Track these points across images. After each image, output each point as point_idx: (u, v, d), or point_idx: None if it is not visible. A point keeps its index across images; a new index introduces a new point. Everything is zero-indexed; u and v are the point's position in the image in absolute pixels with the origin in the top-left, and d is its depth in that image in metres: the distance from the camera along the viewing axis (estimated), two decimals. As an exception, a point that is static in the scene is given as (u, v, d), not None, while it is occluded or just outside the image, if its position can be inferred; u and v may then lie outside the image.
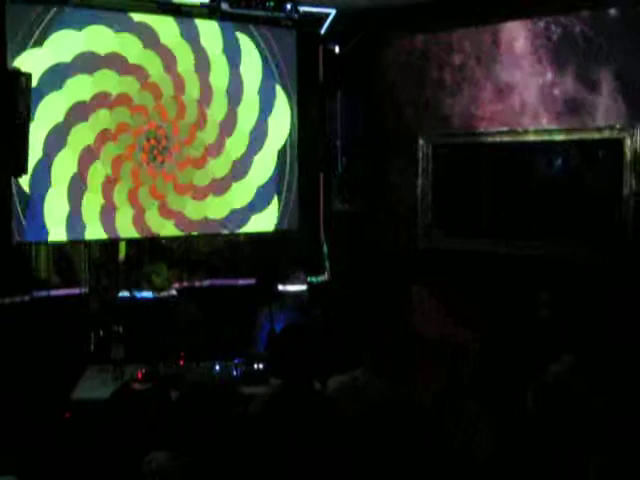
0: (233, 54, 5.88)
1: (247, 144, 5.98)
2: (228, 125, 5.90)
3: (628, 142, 4.98)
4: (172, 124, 5.66)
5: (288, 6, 5.63)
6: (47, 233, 5.24)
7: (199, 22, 5.71)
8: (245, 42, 5.91)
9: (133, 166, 5.55)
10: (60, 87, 5.23)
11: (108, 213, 5.47)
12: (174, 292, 5.36)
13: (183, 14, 5.64)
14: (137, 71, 5.52)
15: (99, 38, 5.35)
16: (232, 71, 5.89)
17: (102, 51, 5.37)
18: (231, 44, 5.86)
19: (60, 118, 5.25)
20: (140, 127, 5.55)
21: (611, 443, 2.73)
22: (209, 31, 5.77)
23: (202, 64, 5.77)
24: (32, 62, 5.01)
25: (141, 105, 5.55)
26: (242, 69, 5.92)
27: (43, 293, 5.22)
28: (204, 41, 5.76)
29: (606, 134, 5.11)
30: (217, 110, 5.85)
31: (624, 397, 3.03)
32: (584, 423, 2.79)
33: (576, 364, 3.13)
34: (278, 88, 6.05)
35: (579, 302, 4.83)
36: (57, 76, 5.21)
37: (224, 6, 5.54)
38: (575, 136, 5.26)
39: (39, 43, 5.11)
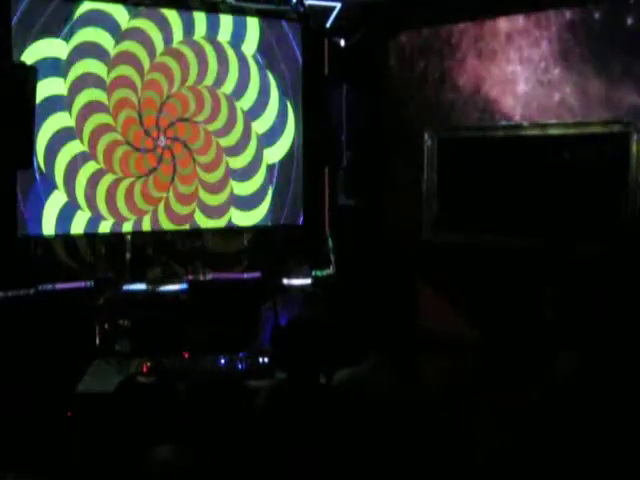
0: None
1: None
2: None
3: (635, 136, 4.96)
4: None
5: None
6: (53, 226, 5.25)
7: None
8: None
9: (139, 158, 5.57)
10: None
11: (114, 207, 5.49)
12: (181, 286, 5.35)
13: (188, 7, 5.63)
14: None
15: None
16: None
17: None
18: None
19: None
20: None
21: (617, 437, 2.73)
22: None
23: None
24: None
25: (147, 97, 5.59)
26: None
27: (48, 286, 5.22)
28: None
29: (613, 128, 5.09)
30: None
31: (628, 391, 3.03)
32: (589, 418, 2.78)
33: (580, 359, 3.12)
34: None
35: (585, 297, 4.82)
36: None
37: (230, -1, 5.55)
38: (581, 130, 5.24)
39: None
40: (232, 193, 5.99)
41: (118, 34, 5.42)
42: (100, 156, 5.43)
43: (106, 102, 5.42)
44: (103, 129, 5.43)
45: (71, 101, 5.29)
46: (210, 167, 5.90)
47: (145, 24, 5.53)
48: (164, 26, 5.60)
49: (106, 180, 5.47)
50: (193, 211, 5.84)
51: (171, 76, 5.67)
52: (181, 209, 5.79)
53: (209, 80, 5.81)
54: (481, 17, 5.67)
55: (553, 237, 5.33)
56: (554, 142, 5.40)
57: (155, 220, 5.68)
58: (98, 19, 5.34)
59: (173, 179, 5.73)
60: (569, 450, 2.73)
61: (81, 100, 5.32)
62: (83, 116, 5.34)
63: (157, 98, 5.63)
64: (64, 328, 5.02)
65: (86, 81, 5.33)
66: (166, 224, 5.73)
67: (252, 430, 2.82)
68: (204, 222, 5.88)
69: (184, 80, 5.71)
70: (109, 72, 5.41)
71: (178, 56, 5.67)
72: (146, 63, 5.56)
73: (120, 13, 5.42)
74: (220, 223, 5.95)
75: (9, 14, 4.96)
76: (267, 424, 3.04)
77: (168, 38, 5.63)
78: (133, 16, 5.48)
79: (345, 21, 6.11)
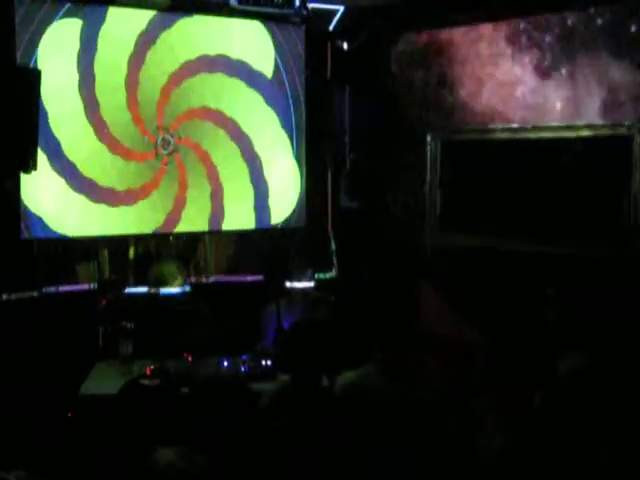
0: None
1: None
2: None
3: (638, 139, 4.96)
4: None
5: (297, 3, 5.64)
6: (56, 229, 5.26)
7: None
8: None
9: (141, 161, 5.59)
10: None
11: (118, 208, 5.50)
12: (184, 288, 5.36)
13: (191, 11, 5.64)
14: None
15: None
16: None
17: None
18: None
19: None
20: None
21: (621, 438, 2.73)
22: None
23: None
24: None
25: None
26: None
27: (52, 289, 5.23)
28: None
29: (615, 131, 5.09)
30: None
31: (633, 393, 3.03)
32: (593, 420, 2.78)
33: (584, 362, 3.12)
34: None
35: (587, 300, 4.81)
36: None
37: (233, 3, 5.55)
38: (584, 133, 5.24)
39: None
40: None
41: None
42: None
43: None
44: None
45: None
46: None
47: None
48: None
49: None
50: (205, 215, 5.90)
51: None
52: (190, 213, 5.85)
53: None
54: (482, 20, 5.68)
55: (556, 240, 5.33)
56: (557, 145, 5.40)
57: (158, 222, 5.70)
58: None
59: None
60: (572, 451, 2.73)
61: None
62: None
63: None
64: (67, 330, 5.03)
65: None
66: (169, 227, 5.75)
67: (255, 432, 2.83)
68: (209, 225, 5.90)
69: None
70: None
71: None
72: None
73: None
74: (225, 226, 5.95)
75: (13, 17, 4.97)
76: (270, 426, 3.05)
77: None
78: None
79: (348, 24, 6.11)
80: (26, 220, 5.13)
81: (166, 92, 5.63)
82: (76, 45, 5.28)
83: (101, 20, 5.35)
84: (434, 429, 3.07)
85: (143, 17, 5.52)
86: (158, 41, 5.57)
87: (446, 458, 2.92)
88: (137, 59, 5.52)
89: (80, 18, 5.26)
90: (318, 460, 2.92)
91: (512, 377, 3.10)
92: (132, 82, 5.50)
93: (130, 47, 5.49)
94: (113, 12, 5.39)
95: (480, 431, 2.90)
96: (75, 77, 5.29)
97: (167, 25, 5.60)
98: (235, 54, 5.86)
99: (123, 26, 5.45)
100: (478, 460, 2.83)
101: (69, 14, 5.22)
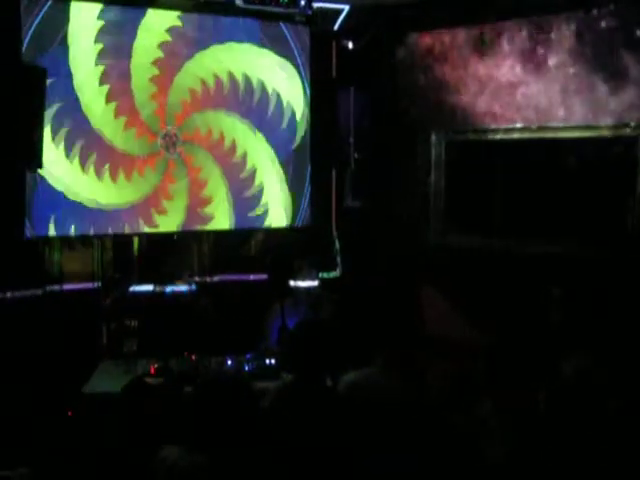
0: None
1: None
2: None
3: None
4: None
5: (302, 2, 5.64)
6: (60, 227, 5.27)
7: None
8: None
9: (146, 160, 5.60)
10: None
11: (123, 208, 5.51)
12: (189, 287, 5.37)
13: (197, 10, 5.65)
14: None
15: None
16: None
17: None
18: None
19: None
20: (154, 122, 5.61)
21: (624, 440, 2.73)
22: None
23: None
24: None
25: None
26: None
27: (56, 287, 5.24)
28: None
29: (621, 132, 5.08)
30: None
31: (636, 393, 3.03)
32: (597, 421, 2.78)
33: (588, 362, 3.12)
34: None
35: (591, 301, 4.81)
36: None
37: (238, 2, 5.55)
38: (589, 134, 5.23)
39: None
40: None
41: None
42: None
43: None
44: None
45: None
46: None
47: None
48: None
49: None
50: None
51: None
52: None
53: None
54: (487, 21, 5.67)
55: (560, 240, 5.32)
56: (562, 146, 5.40)
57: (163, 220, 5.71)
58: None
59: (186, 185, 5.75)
60: (576, 452, 2.73)
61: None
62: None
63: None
64: (72, 329, 5.04)
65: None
66: (175, 225, 5.76)
67: (258, 431, 2.83)
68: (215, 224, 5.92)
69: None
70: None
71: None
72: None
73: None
74: (227, 225, 5.96)
75: (19, 15, 4.97)
76: (273, 425, 3.05)
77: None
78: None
79: (353, 24, 6.11)
80: (31, 218, 5.14)
81: (164, 89, 5.61)
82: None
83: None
84: (437, 429, 3.07)
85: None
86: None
87: (449, 458, 2.92)
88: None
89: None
90: (321, 460, 2.93)
91: (515, 377, 3.10)
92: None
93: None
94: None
95: (483, 431, 2.90)
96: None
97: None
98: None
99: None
100: (481, 460, 2.83)
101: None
